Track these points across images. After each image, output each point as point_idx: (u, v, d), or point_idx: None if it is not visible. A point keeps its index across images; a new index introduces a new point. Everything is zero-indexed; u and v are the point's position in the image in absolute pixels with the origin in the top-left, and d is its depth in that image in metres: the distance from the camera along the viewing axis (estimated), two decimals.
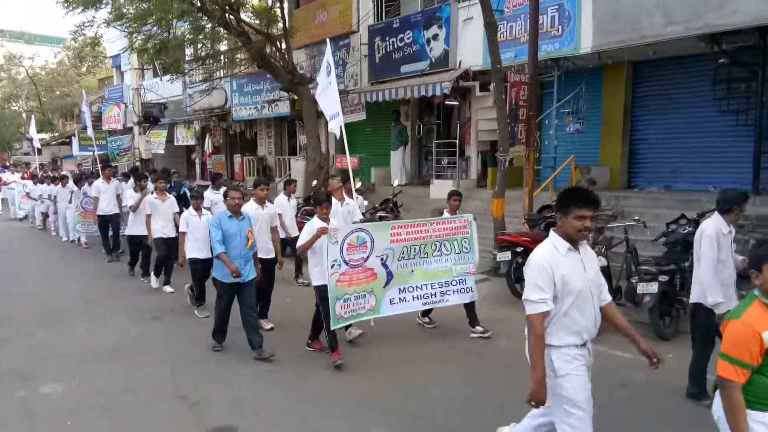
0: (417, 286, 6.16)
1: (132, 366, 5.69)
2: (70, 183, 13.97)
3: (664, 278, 6.16)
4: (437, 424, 4.45)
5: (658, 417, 4.53)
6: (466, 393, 5.05)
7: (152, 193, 8.97)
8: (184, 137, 22.26)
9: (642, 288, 6.13)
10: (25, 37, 39.26)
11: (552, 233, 3.16)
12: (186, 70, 16.17)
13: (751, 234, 7.82)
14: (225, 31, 13.07)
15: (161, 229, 8.63)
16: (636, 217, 7.51)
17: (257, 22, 13.55)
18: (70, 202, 13.29)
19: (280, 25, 13.58)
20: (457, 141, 13.03)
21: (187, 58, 15.73)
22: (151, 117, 23.31)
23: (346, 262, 5.59)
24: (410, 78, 12.80)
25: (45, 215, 16.11)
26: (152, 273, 8.97)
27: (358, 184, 12.68)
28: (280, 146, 19.89)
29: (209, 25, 12.83)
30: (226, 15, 12.52)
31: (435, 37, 12.39)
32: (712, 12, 8.19)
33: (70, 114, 36.15)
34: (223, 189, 9.91)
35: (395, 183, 11.94)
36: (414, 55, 12.89)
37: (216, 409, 4.72)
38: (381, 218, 10.34)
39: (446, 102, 13.66)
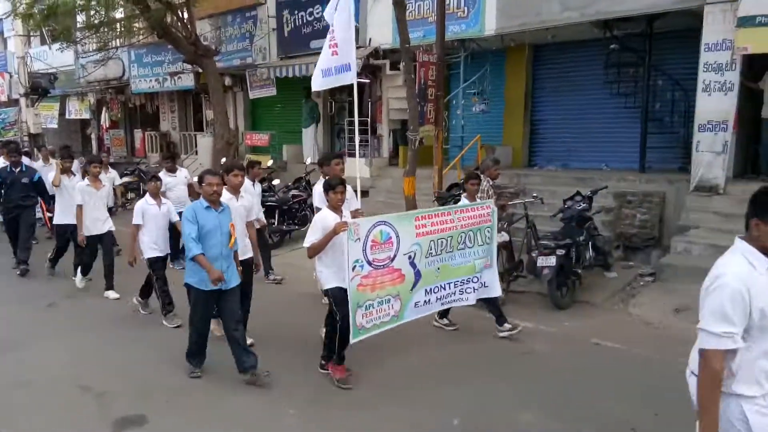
0: (441, 286, 5.37)
1: (24, 358, 5.35)
2: None
3: (561, 252, 6.59)
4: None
5: (559, 380, 4.88)
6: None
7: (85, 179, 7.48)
8: (77, 110, 20.73)
9: (542, 261, 6.54)
10: None
11: (742, 244, 2.37)
12: (77, 39, 15.02)
13: (638, 209, 8.53)
14: None
15: (91, 224, 7.23)
16: (534, 194, 7.92)
17: None
18: None
19: None
20: (368, 119, 13.07)
21: (78, 26, 14.61)
22: (40, 88, 21.41)
23: (369, 263, 4.70)
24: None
25: None
26: (78, 271, 7.58)
27: (269, 162, 12.47)
28: (185, 121, 19.01)
29: None
30: None
31: None
32: None
33: None
34: (182, 171, 8.85)
35: (308, 161, 11.84)
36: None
37: (123, 398, 4.56)
38: (294, 197, 10.24)
39: (357, 80, 13.60)
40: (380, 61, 12.10)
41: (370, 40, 12.01)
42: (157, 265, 6.29)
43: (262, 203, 9.72)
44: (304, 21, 13.05)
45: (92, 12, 13.13)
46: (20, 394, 4.65)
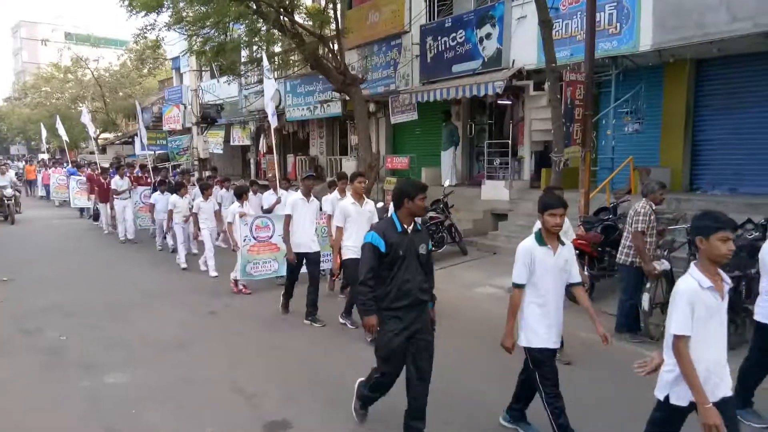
0: None
1: (191, 358, 5.90)
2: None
3: (728, 284, 5.89)
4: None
5: None
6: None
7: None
8: (239, 137, 22.86)
9: None
10: (91, 39, 41.21)
11: None
12: (242, 72, 16.56)
13: None
14: (279, 33, 13.33)
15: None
16: None
17: (310, 23, 13.76)
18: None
19: (333, 26, 13.74)
20: (509, 141, 12.85)
21: (242, 60, 16.14)
22: (209, 117, 24.04)
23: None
24: (462, 77, 12.71)
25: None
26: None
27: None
28: (331, 146, 20.16)
29: (264, 28, 13.11)
30: (281, 17, 12.77)
31: (488, 36, 12.27)
32: None
33: (133, 114, 37.68)
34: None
35: (446, 183, 11.89)
36: (466, 54, 12.80)
37: (271, 402, 4.83)
38: (431, 219, 10.32)
39: (499, 101, 13.50)
40: (523, 82, 11.88)
41: (513, 61, 11.86)
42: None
43: None
44: (447, 46, 13.25)
45: (255, 47, 14.44)
46: (187, 390, 5.12)
